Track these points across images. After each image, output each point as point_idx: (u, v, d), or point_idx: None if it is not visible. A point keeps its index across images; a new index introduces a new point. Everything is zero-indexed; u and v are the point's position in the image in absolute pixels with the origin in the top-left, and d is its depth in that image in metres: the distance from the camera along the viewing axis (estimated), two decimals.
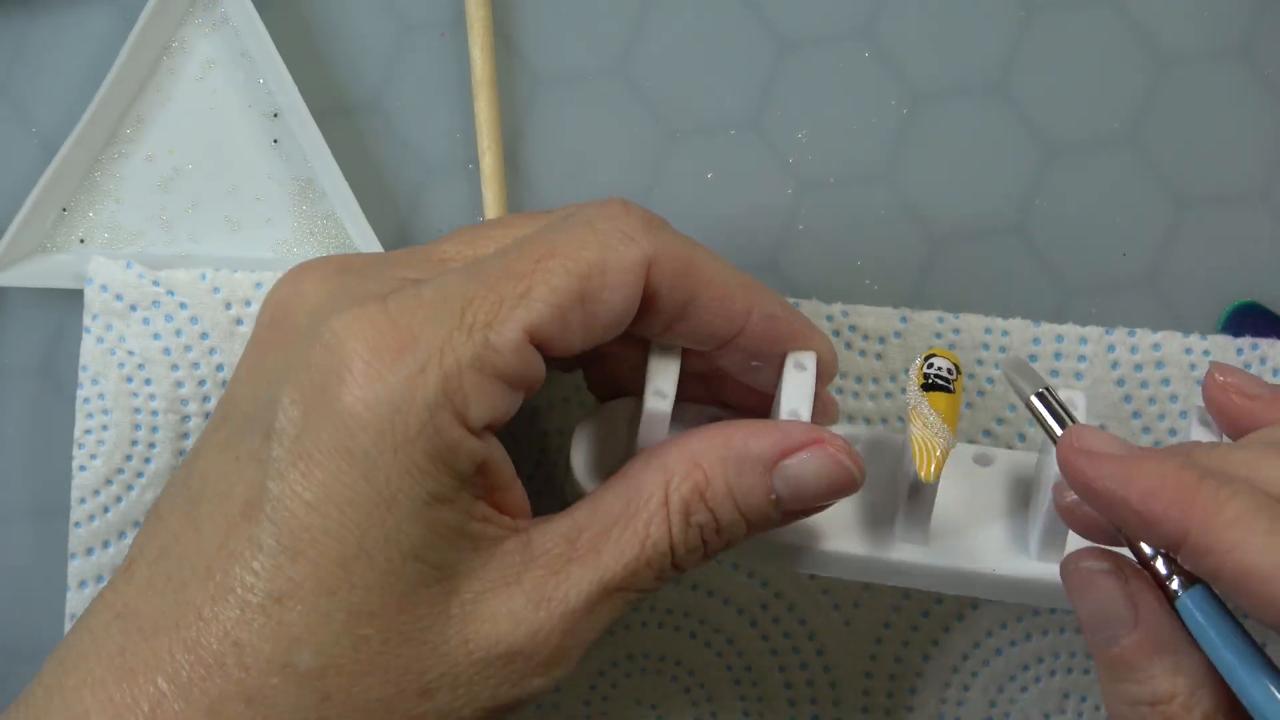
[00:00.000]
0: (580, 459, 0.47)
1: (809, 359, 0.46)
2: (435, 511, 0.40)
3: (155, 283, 0.53)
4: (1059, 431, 0.43)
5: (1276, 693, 0.38)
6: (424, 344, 0.39)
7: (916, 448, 0.45)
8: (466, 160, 0.54)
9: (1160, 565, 0.40)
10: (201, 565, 0.40)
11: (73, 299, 0.55)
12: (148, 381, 0.53)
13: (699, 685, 0.55)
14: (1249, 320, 0.53)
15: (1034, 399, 0.44)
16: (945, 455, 0.45)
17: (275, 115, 0.54)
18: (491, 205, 0.53)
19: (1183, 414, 0.53)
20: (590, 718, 0.55)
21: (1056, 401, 0.43)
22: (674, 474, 0.43)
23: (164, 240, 0.54)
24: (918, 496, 0.46)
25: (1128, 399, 0.53)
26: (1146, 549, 0.40)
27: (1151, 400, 0.53)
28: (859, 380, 0.53)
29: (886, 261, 0.54)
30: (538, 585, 0.42)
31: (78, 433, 0.53)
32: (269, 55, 0.52)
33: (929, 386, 0.45)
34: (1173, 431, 0.53)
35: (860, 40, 0.54)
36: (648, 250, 0.41)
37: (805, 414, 0.45)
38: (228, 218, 0.54)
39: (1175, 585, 0.40)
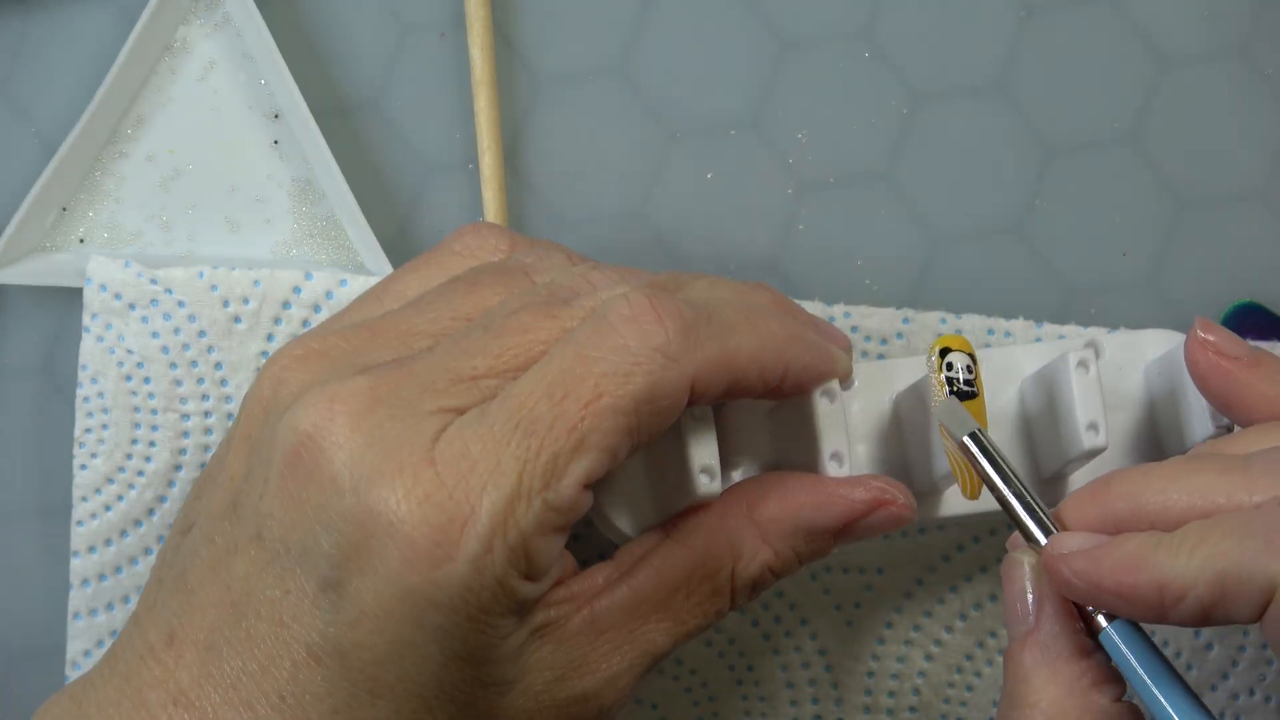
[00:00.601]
0: (612, 496, 0.47)
1: (834, 385, 0.46)
2: (509, 643, 0.41)
3: (153, 281, 0.53)
4: (994, 478, 0.44)
5: (1193, 711, 0.40)
6: (485, 517, 0.39)
7: (955, 467, 0.45)
8: (466, 160, 0.54)
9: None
10: (271, 690, 0.40)
11: (73, 298, 0.55)
12: (146, 380, 0.53)
13: (700, 684, 0.55)
14: (1249, 320, 0.53)
15: (967, 440, 0.45)
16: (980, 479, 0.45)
17: (276, 116, 0.54)
18: (491, 205, 0.53)
19: None
20: None
21: (989, 443, 0.44)
22: (742, 553, 0.44)
23: (163, 240, 0.54)
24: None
25: None
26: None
27: None
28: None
29: (886, 261, 0.54)
30: (605, 662, 0.43)
31: (78, 432, 0.53)
32: (270, 56, 0.52)
33: (956, 394, 0.46)
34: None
35: (860, 40, 0.54)
36: (689, 370, 0.41)
37: (845, 453, 0.46)
38: (227, 218, 0.54)
39: (1101, 618, 0.42)
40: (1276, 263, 0.53)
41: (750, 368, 0.43)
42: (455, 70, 0.54)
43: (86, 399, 0.53)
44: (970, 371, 0.46)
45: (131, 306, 0.53)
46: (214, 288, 0.53)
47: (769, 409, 0.48)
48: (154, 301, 0.53)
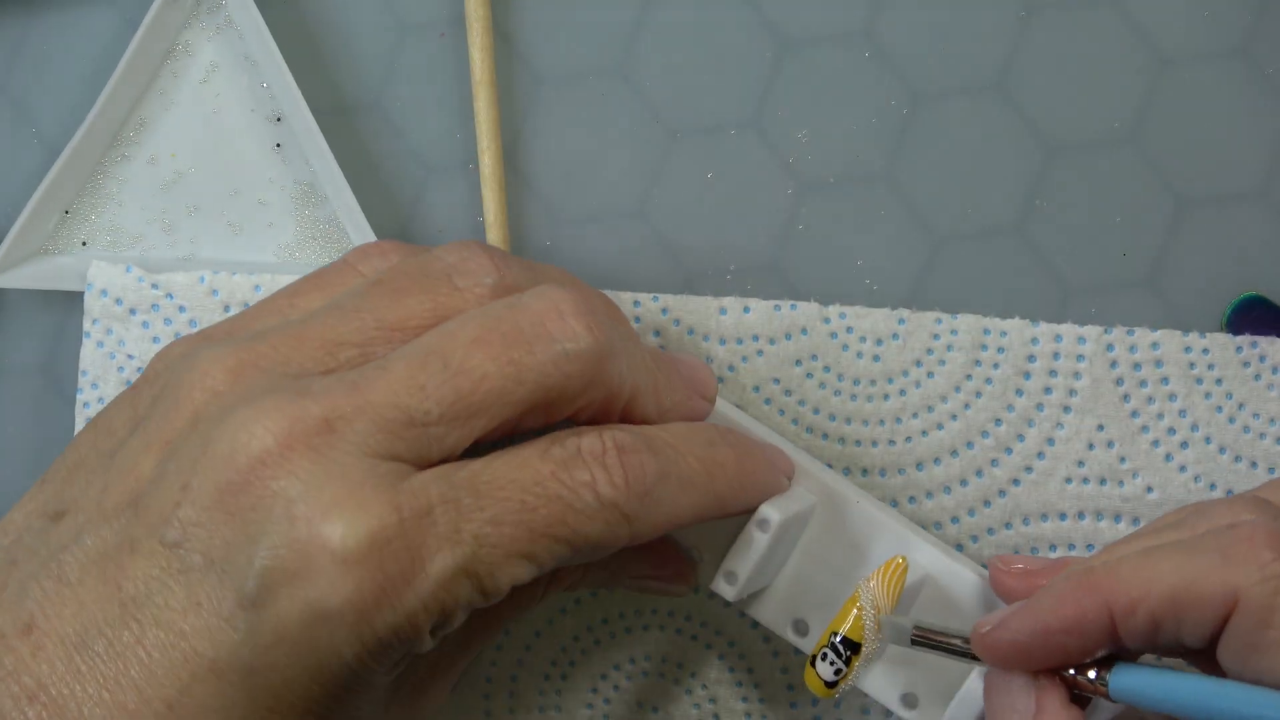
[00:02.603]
0: None
1: (770, 516, 0.47)
2: (390, 677, 0.42)
3: (154, 286, 0.53)
4: (956, 642, 0.45)
5: (1260, 694, 0.39)
6: (433, 579, 0.39)
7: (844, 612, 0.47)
8: (466, 160, 0.54)
9: (1086, 676, 0.42)
10: (157, 698, 0.39)
11: (74, 300, 0.55)
12: None
13: (701, 687, 0.55)
14: (1254, 313, 0.53)
15: (914, 641, 0.46)
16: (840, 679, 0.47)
17: (278, 119, 0.54)
18: (491, 205, 0.53)
19: (1182, 413, 0.53)
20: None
21: (932, 631, 0.45)
22: None
23: (166, 243, 0.54)
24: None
25: (1126, 398, 0.53)
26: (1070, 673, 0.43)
27: (1150, 399, 0.53)
28: (857, 382, 0.53)
29: (886, 261, 0.54)
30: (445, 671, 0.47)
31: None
32: (273, 59, 0.52)
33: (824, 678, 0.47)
34: (1171, 430, 0.53)
35: (860, 40, 0.54)
36: (639, 531, 0.42)
37: (740, 576, 0.47)
38: (230, 222, 0.54)
39: (1104, 678, 0.42)
40: (1277, 263, 0.53)
41: (693, 519, 0.44)
42: (455, 70, 0.54)
43: (87, 404, 0.53)
44: (837, 674, 0.47)
45: (132, 311, 0.53)
46: (215, 292, 0.53)
47: None
48: (155, 306, 0.53)
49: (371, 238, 0.52)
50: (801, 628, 0.50)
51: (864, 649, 0.46)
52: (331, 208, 0.54)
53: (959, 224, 0.54)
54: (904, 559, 0.47)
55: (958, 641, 0.45)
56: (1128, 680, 0.41)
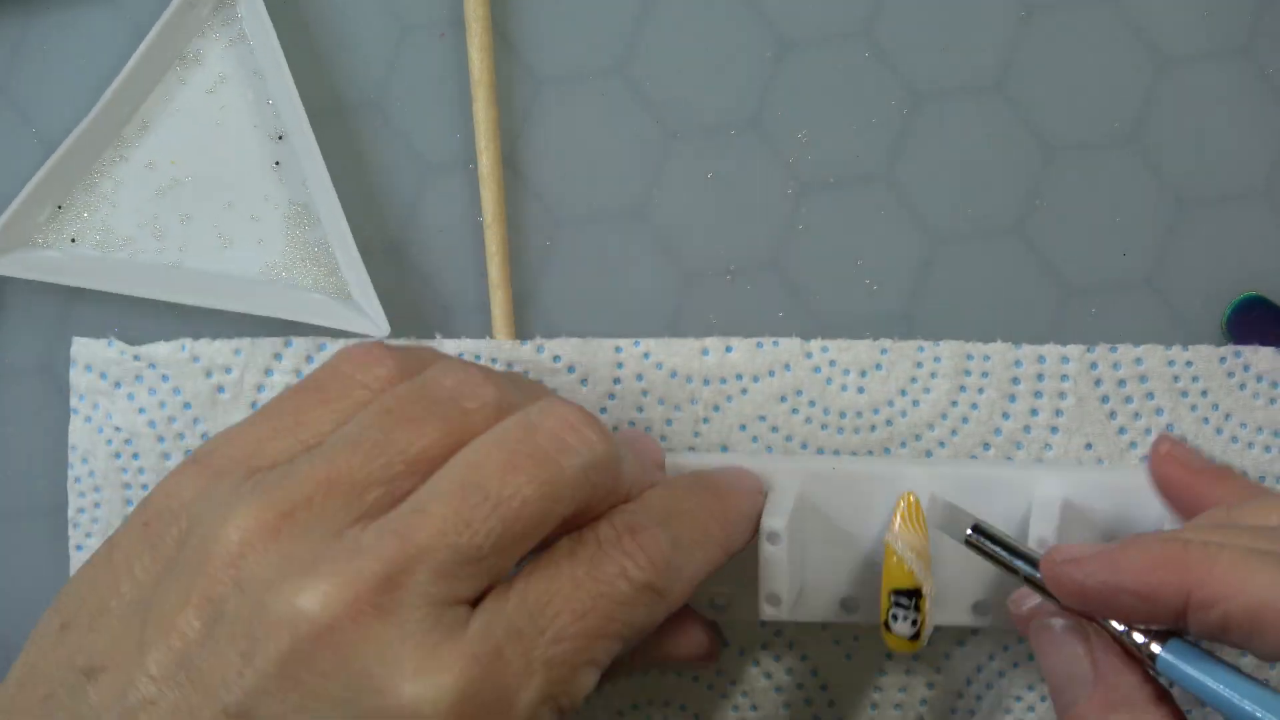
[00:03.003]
0: None
1: (777, 526, 0.48)
2: None
3: (136, 357, 0.53)
4: (1009, 559, 0.45)
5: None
6: (522, 715, 0.40)
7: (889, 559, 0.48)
8: (466, 160, 0.54)
9: (1136, 636, 0.42)
10: None
11: (74, 298, 0.54)
12: (135, 456, 0.53)
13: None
14: (1254, 313, 0.53)
15: (969, 535, 0.46)
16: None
17: (280, 138, 0.54)
18: (489, 205, 0.53)
19: (1170, 427, 0.53)
20: None
21: (990, 530, 0.46)
22: None
23: (154, 249, 0.54)
24: None
25: (1113, 415, 0.53)
26: (1117, 626, 0.42)
27: (1137, 415, 0.53)
28: (843, 415, 0.53)
29: (886, 261, 0.54)
30: None
31: (71, 512, 0.54)
32: (281, 76, 0.52)
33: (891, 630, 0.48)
34: None
35: (860, 40, 0.54)
36: (672, 603, 0.43)
37: (783, 596, 0.49)
38: (221, 234, 0.54)
39: (1151, 648, 0.42)
40: (1277, 263, 0.53)
41: (709, 572, 0.46)
42: (455, 70, 0.54)
43: (78, 479, 0.54)
44: (915, 625, 0.48)
45: (117, 384, 0.53)
46: (196, 359, 0.53)
47: None
48: (139, 378, 0.53)
49: (359, 262, 0.52)
50: (850, 605, 0.51)
51: (925, 590, 0.47)
52: (323, 231, 0.53)
53: (959, 224, 0.54)
54: (910, 493, 0.47)
55: (1014, 557, 0.45)
56: (1178, 660, 0.41)
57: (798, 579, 0.50)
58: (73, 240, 0.54)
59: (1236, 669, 0.40)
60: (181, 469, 0.43)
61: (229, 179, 0.54)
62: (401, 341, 0.53)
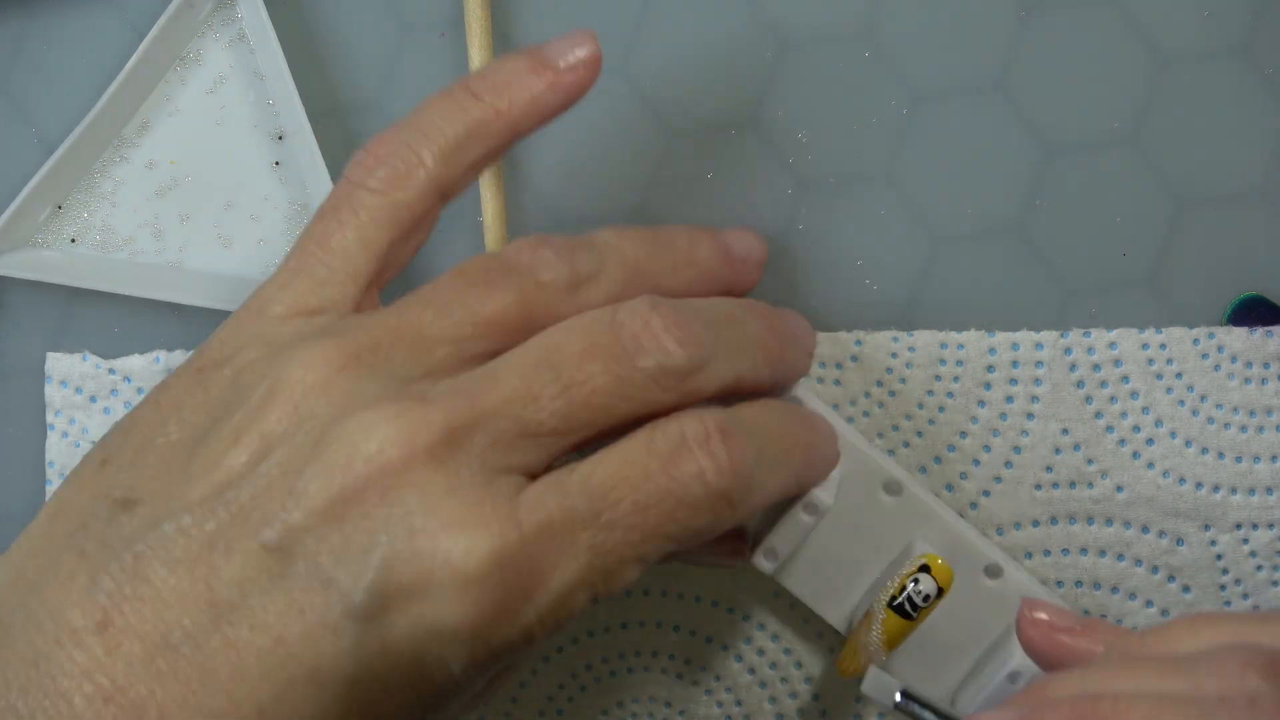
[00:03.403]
0: None
1: (819, 498, 0.48)
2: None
3: (111, 371, 0.54)
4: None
5: None
6: (553, 594, 0.40)
7: (847, 645, 0.49)
8: None
9: None
10: (248, 702, 0.39)
11: (74, 298, 0.54)
12: None
13: (715, 679, 0.55)
14: (1254, 313, 0.53)
15: (898, 699, 0.46)
16: (864, 667, 0.48)
17: (280, 138, 0.54)
18: (489, 205, 0.53)
19: (1145, 410, 0.53)
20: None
21: (917, 698, 0.46)
22: None
23: (154, 249, 0.54)
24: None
25: (1089, 400, 0.53)
26: None
27: (1113, 399, 0.53)
28: None
29: (886, 261, 0.54)
30: None
31: None
32: (281, 77, 0.52)
33: (896, 606, 0.48)
34: (1137, 428, 0.53)
35: (860, 40, 0.54)
36: (741, 515, 0.42)
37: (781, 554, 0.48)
38: (221, 234, 0.54)
39: None
40: (1277, 263, 0.53)
41: (778, 498, 0.45)
42: (455, 70, 0.54)
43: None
44: (925, 601, 0.47)
45: (93, 399, 0.54)
46: (170, 371, 0.53)
47: None
48: (114, 391, 0.54)
49: None
50: (824, 597, 0.51)
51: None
52: None
53: (959, 224, 0.54)
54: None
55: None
56: None
57: (803, 552, 0.50)
58: (73, 240, 0.54)
59: None
60: (236, 317, 0.44)
61: (229, 179, 0.54)
62: None
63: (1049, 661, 0.45)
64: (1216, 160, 0.53)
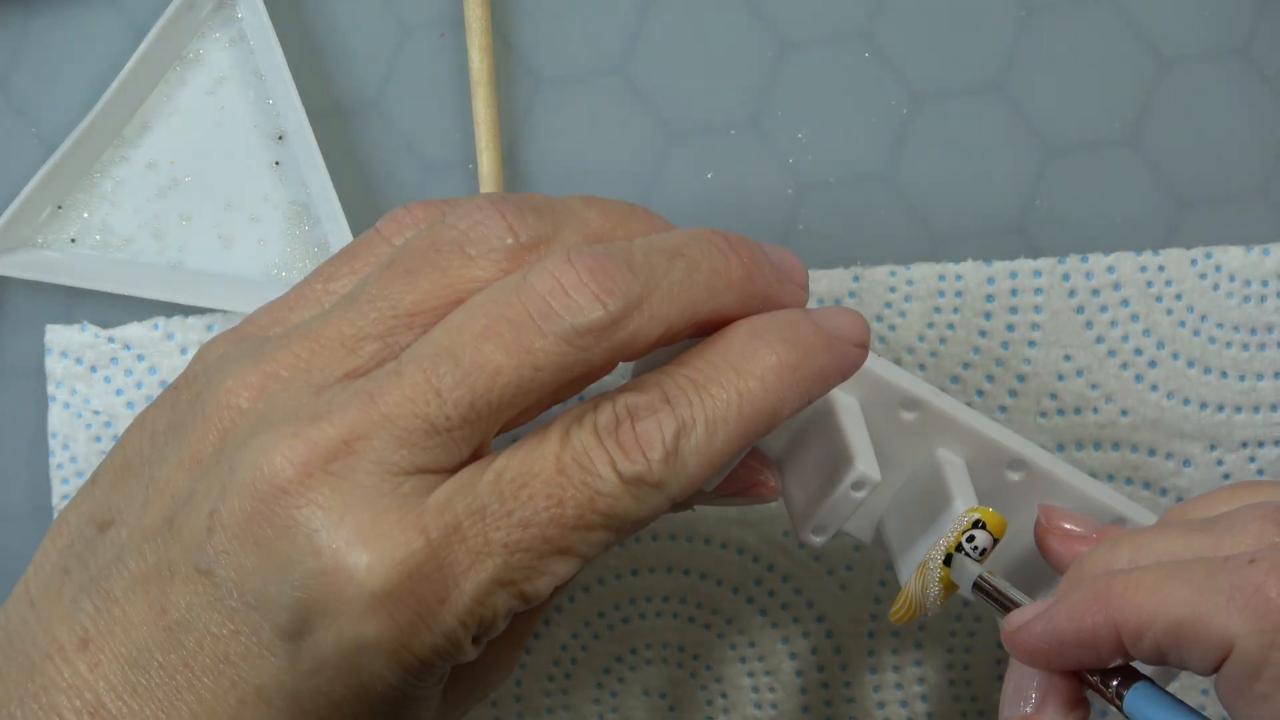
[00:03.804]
0: None
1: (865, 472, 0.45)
2: (441, 683, 0.41)
3: (110, 340, 0.54)
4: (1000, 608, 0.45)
5: None
6: (468, 596, 0.39)
7: (901, 597, 0.46)
8: (466, 160, 0.54)
9: (1107, 681, 0.42)
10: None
11: (74, 298, 0.54)
12: (115, 438, 0.53)
13: (705, 668, 0.55)
14: None
15: (977, 586, 0.45)
16: (919, 617, 0.46)
17: (280, 138, 0.54)
18: None
19: (1146, 332, 0.53)
20: (601, 715, 0.55)
21: (991, 586, 0.45)
22: None
23: (154, 249, 0.54)
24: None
25: (1089, 325, 0.53)
26: (1092, 677, 0.42)
27: (1114, 323, 0.53)
28: None
29: (886, 262, 0.54)
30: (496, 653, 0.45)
31: (55, 499, 0.54)
32: (281, 77, 0.52)
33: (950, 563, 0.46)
34: (1138, 351, 0.53)
35: (860, 40, 0.54)
36: (673, 493, 0.41)
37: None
38: (221, 234, 0.54)
39: (1115, 685, 0.42)
40: None
41: (741, 449, 0.42)
42: (455, 70, 0.54)
43: (60, 465, 0.54)
44: (982, 555, 0.46)
45: (93, 369, 0.53)
46: (171, 336, 0.53)
47: None
48: (114, 360, 0.54)
49: None
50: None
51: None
52: (323, 231, 0.53)
53: (959, 224, 0.54)
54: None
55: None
56: (1141, 702, 0.41)
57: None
58: (73, 240, 0.54)
59: (1198, 712, 0.40)
60: (218, 336, 0.44)
61: (229, 179, 0.54)
62: None
63: (1057, 565, 0.47)
64: (1216, 160, 0.53)
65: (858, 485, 0.45)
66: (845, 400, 0.47)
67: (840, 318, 0.43)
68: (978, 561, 0.45)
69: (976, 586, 0.45)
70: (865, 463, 0.45)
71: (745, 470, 0.47)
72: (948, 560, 0.45)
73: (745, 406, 0.41)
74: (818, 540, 0.47)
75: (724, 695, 0.55)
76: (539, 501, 0.39)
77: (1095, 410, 0.53)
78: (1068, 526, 0.47)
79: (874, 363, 0.48)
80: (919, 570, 0.46)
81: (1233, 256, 0.53)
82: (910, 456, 0.49)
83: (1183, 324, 0.53)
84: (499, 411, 0.40)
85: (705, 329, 0.42)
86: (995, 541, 0.46)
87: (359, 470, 0.39)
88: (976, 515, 0.45)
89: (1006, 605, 0.44)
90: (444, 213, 0.43)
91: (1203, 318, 0.53)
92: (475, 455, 0.40)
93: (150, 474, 0.42)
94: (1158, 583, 0.39)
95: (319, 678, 0.39)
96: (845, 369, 0.43)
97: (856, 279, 0.53)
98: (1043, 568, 0.48)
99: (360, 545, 0.38)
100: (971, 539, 0.45)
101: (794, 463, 0.48)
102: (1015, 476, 0.49)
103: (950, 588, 0.46)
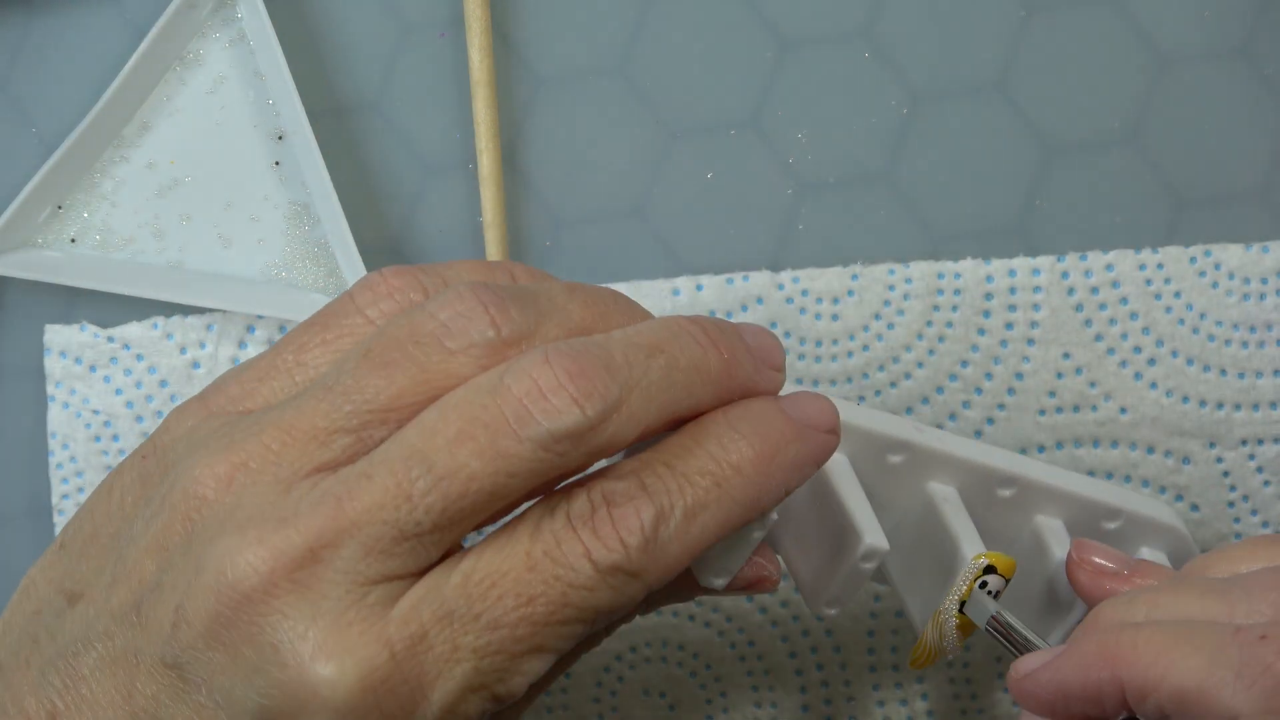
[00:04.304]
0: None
1: (770, 519, 0.44)
2: None
3: (110, 339, 0.54)
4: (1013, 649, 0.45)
5: None
6: (436, 706, 0.38)
7: (921, 645, 0.46)
8: (466, 160, 0.54)
9: None
10: None
11: (74, 298, 0.54)
12: (115, 438, 0.53)
13: (705, 668, 0.55)
14: None
15: (988, 628, 0.45)
16: (934, 662, 0.47)
17: (280, 138, 0.54)
18: (489, 205, 0.53)
19: (1145, 330, 0.53)
20: (601, 714, 0.55)
21: (1005, 625, 0.45)
22: None
23: (154, 249, 0.54)
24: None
25: (1088, 323, 0.53)
26: None
27: (1112, 321, 0.53)
28: (819, 343, 0.53)
29: (887, 262, 0.54)
30: None
31: (55, 499, 0.54)
32: (281, 77, 0.52)
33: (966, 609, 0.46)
34: (1137, 349, 0.53)
35: (860, 40, 0.54)
36: (650, 582, 0.40)
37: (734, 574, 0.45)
38: (221, 234, 0.54)
39: None
40: None
41: (719, 537, 0.41)
42: (455, 70, 0.54)
43: (59, 465, 0.54)
44: (997, 597, 0.46)
45: (92, 368, 0.53)
46: (170, 336, 0.53)
47: None
48: (113, 359, 0.54)
49: (359, 262, 0.52)
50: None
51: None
52: (323, 230, 0.53)
53: (959, 224, 0.54)
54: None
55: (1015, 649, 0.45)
56: None
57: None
58: (73, 240, 0.54)
59: None
60: (185, 405, 0.43)
61: (229, 179, 0.54)
62: None
63: (1097, 603, 0.46)
64: (1216, 160, 0.53)
65: (867, 558, 0.45)
66: (835, 459, 0.46)
67: (810, 406, 0.43)
68: (994, 599, 0.45)
69: (991, 627, 0.45)
70: (872, 534, 0.45)
71: (752, 567, 0.45)
72: (961, 607, 0.46)
73: (724, 496, 0.40)
74: (833, 612, 0.46)
75: (724, 695, 0.55)
76: (508, 601, 0.38)
77: (1094, 408, 0.53)
78: (1098, 560, 0.46)
79: (854, 413, 0.47)
80: (934, 620, 0.46)
81: (1232, 254, 0.53)
82: (902, 497, 0.48)
83: (1182, 321, 0.53)
84: (471, 516, 0.39)
85: (681, 423, 0.41)
86: (1007, 582, 0.46)
87: (325, 580, 0.38)
88: (985, 561, 0.46)
89: (1018, 647, 0.44)
90: (421, 284, 0.43)
91: (1202, 315, 0.53)
92: (445, 555, 0.39)
93: (119, 551, 0.41)
94: (1166, 645, 0.39)
95: None
96: (819, 457, 0.43)
97: (855, 277, 0.53)
98: (1040, 578, 0.49)
99: (323, 659, 0.37)
100: (984, 584, 0.45)
101: (794, 533, 0.47)
102: (1007, 493, 0.48)
103: (967, 628, 0.46)
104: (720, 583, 0.44)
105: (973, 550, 0.46)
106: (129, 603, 0.40)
